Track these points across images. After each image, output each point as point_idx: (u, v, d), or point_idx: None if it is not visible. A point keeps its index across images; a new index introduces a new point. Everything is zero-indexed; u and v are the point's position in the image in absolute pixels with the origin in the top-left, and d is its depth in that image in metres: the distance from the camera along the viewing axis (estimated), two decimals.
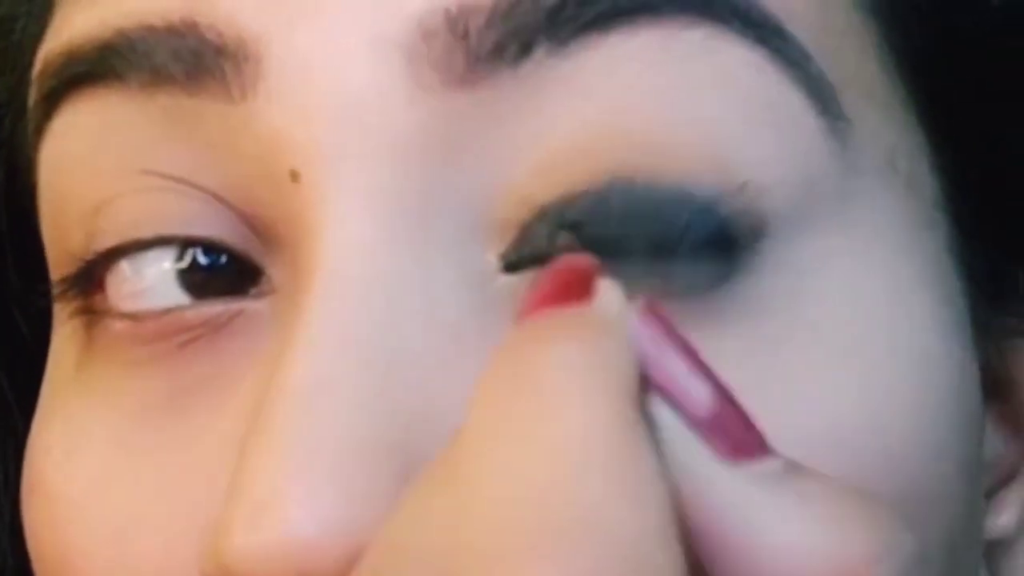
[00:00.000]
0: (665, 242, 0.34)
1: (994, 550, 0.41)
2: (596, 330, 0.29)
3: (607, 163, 0.34)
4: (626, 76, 0.34)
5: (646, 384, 0.29)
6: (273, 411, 0.32)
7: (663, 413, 0.29)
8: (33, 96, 0.38)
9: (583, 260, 0.31)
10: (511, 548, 0.25)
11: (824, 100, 0.36)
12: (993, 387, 0.41)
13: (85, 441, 0.37)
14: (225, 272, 0.36)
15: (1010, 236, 0.40)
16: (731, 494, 0.28)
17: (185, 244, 0.36)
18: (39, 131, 0.38)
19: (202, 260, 0.36)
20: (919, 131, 0.38)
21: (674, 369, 0.29)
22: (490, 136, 0.34)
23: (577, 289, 0.30)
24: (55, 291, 0.38)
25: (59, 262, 0.38)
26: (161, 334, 0.36)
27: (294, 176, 0.34)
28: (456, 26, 0.34)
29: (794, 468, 0.29)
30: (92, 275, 0.37)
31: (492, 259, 0.35)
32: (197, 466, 0.35)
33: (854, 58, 0.37)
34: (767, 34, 0.35)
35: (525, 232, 0.34)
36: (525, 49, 0.34)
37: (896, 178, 0.37)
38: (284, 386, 0.32)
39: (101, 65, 0.36)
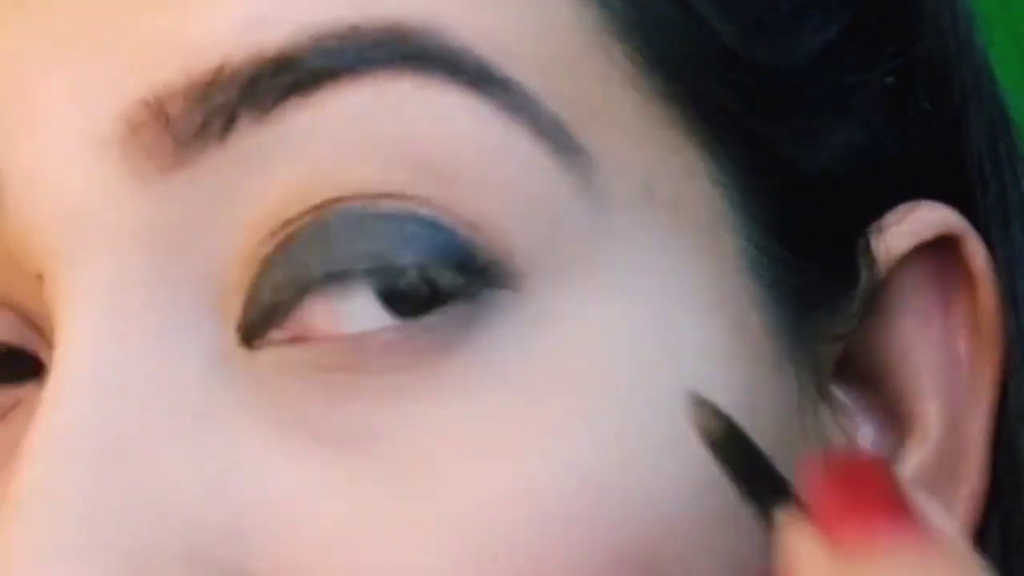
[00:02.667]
0: (395, 269, 0.34)
1: None
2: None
3: (325, 206, 0.35)
4: (335, 131, 0.35)
5: None
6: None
7: None
8: None
9: (874, 462, 0.31)
10: None
11: (555, 139, 0.35)
12: (860, 377, 0.40)
13: None
14: (7, 362, 0.38)
15: (814, 238, 0.39)
16: None
17: None
18: None
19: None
20: (690, 149, 0.37)
21: None
22: (212, 210, 0.35)
23: (885, 500, 0.29)
24: None
25: None
26: None
27: (39, 278, 0.36)
28: (159, 115, 0.35)
29: None
30: None
31: (231, 333, 0.35)
32: None
33: (593, 89, 0.36)
34: (480, 81, 0.35)
35: (253, 288, 0.35)
36: (228, 124, 0.35)
37: (656, 206, 0.36)
38: (8, 496, 0.33)
39: None
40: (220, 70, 0.34)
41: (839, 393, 0.40)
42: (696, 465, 0.35)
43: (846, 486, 0.29)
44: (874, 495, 0.29)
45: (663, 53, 0.37)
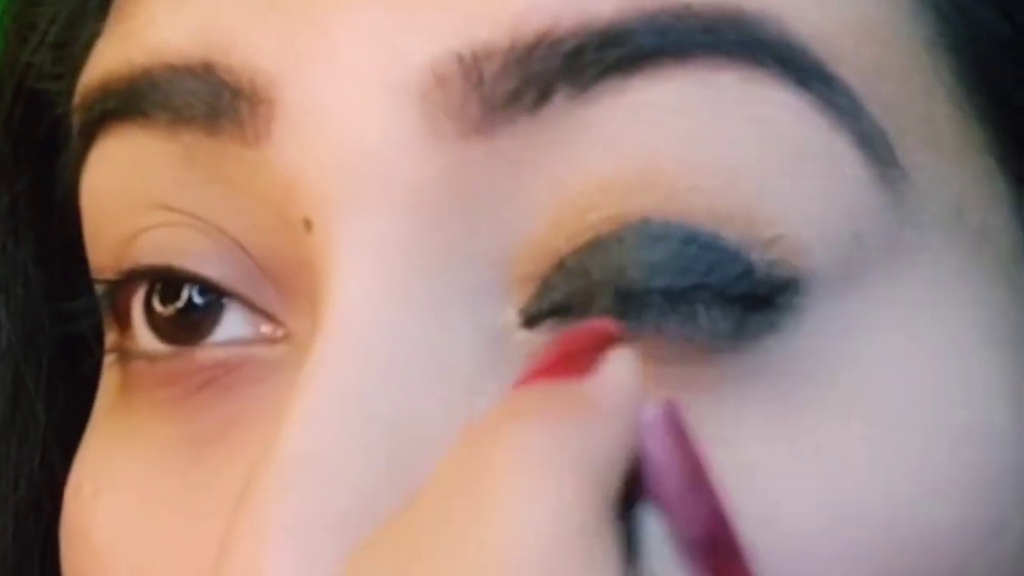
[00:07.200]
0: (685, 290, 0.32)
1: None
2: (581, 412, 0.27)
3: (627, 213, 0.32)
4: (651, 123, 0.32)
5: (639, 483, 0.27)
6: (259, 481, 0.31)
7: (650, 521, 0.27)
8: (75, 126, 0.38)
9: (600, 326, 0.29)
10: None
11: (875, 149, 0.33)
12: None
13: (109, 483, 0.37)
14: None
15: None
16: None
17: (192, 281, 0.36)
18: (79, 161, 0.38)
19: (197, 300, 0.36)
20: (1000, 178, 0.36)
21: (677, 478, 0.27)
22: (508, 186, 0.33)
23: (583, 360, 0.28)
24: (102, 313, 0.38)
25: (97, 287, 0.38)
26: (175, 376, 0.36)
27: (307, 224, 0.33)
28: (470, 73, 0.32)
29: None
30: (117, 301, 0.37)
31: (512, 314, 0.33)
32: (212, 513, 0.34)
33: (918, 102, 0.34)
34: (810, 79, 0.33)
35: (544, 285, 0.33)
36: (544, 96, 0.32)
37: (964, 231, 0.35)
38: (272, 455, 0.31)
39: (129, 102, 0.36)
40: (546, 35, 0.32)
41: None
42: (987, 507, 0.33)
43: (557, 346, 0.29)
44: (573, 351, 0.28)
45: (990, 74, 0.35)
